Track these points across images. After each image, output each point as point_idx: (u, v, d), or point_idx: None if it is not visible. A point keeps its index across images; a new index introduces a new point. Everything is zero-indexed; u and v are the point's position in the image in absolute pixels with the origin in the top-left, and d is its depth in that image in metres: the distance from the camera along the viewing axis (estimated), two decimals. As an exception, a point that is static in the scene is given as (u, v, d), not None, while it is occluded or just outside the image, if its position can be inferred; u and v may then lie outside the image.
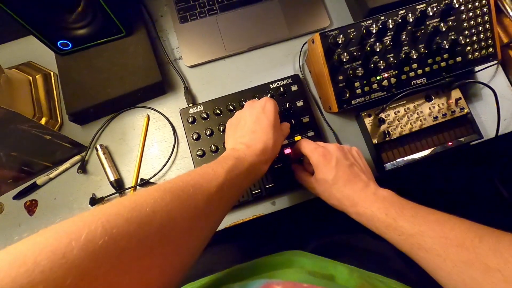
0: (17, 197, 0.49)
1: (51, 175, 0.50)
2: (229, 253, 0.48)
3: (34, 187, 0.49)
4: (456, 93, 0.51)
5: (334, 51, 0.46)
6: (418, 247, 0.31)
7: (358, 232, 0.46)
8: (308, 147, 0.42)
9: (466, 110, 0.50)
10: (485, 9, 0.48)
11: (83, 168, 0.50)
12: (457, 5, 0.46)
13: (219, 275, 0.36)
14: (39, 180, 0.49)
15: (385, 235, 0.35)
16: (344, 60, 0.45)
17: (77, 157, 0.50)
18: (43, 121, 0.49)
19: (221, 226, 0.49)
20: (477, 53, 0.49)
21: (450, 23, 0.47)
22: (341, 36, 0.45)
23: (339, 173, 0.39)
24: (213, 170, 0.30)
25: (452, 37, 0.48)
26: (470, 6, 0.47)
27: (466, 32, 0.48)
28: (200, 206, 0.26)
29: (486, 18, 0.48)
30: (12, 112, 0.37)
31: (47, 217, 0.49)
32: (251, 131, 0.38)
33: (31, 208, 0.49)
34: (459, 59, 0.49)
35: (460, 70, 0.49)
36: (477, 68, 0.54)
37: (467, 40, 0.48)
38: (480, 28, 0.48)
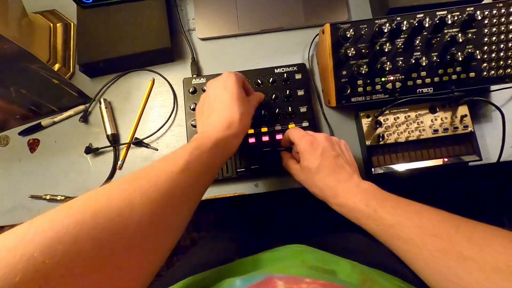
0: (22, 133, 0.53)
1: (55, 119, 0.53)
2: (227, 247, 0.49)
3: (39, 127, 0.53)
4: (463, 110, 0.49)
5: (342, 44, 0.46)
6: (397, 237, 0.32)
7: (354, 231, 0.46)
8: (297, 134, 0.42)
9: (470, 129, 0.49)
10: (511, 27, 0.46)
11: (85, 118, 0.53)
12: (479, 17, 0.44)
13: (220, 269, 0.36)
14: (44, 121, 0.53)
15: (365, 226, 0.35)
16: (350, 55, 0.45)
17: (81, 107, 0.53)
18: (56, 67, 0.52)
19: (204, 197, 0.50)
20: (493, 72, 0.47)
21: (470, 35, 0.45)
22: (351, 30, 0.44)
23: (323, 162, 0.39)
24: (173, 154, 0.31)
25: (469, 50, 0.46)
26: (495, 21, 0.45)
27: (486, 47, 0.46)
28: (161, 187, 0.27)
29: (511, 36, 0.46)
30: (23, 50, 0.39)
31: (46, 157, 0.52)
32: (215, 110, 0.38)
33: (33, 146, 0.53)
34: (472, 74, 0.47)
35: (471, 86, 0.47)
36: (493, 87, 0.52)
37: (485, 56, 0.46)
38: (502, 46, 0.46)
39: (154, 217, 0.25)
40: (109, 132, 0.51)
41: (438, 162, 0.49)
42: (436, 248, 0.28)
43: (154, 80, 0.54)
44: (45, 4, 0.56)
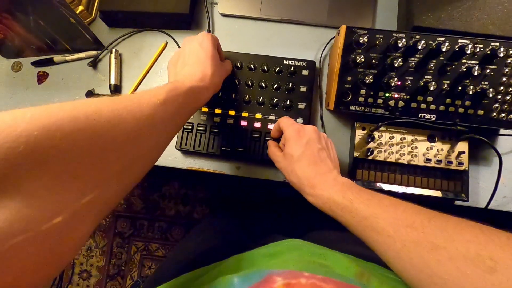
0: (35, 64, 0.55)
1: (67, 58, 0.55)
2: (219, 239, 0.49)
3: (50, 61, 0.55)
4: (463, 146, 0.47)
5: (354, 49, 0.45)
6: (371, 229, 0.32)
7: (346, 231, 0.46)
8: (286, 122, 0.43)
9: (464, 167, 0.47)
10: (534, 73, 0.43)
11: (94, 63, 0.55)
12: (502, 54, 0.41)
13: (215, 266, 0.36)
14: (56, 58, 0.55)
15: (340, 218, 0.35)
16: (359, 62, 0.44)
17: (93, 52, 0.55)
18: (78, 9, 0.54)
19: (184, 166, 0.52)
20: (503, 115, 0.45)
21: (488, 71, 0.43)
22: (365, 37, 0.43)
23: (306, 151, 0.39)
24: (152, 90, 0.32)
25: (483, 86, 0.44)
26: (519, 62, 0.43)
27: (502, 88, 0.44)
28: (144, 111, 0.28)
29: (532, 83, 0.44)
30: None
31: (50, 91, 0.55)
32: (190, 64, 0.40)
33: (41, 78, 0.55)
34: (480, 112, 0.45)
35: (477, 124, 0.45)
36: (502, 132, 0.49)
37: (499, 96, 0.44)
38: (520, 90, 0.44)
39: (140, 132, 0.27)
40: (112, 82, 0.53)
41: (422, 191, 0.47)
42: (409, 239, 0.28)
43: (167, 43, 0.55)
44: None
